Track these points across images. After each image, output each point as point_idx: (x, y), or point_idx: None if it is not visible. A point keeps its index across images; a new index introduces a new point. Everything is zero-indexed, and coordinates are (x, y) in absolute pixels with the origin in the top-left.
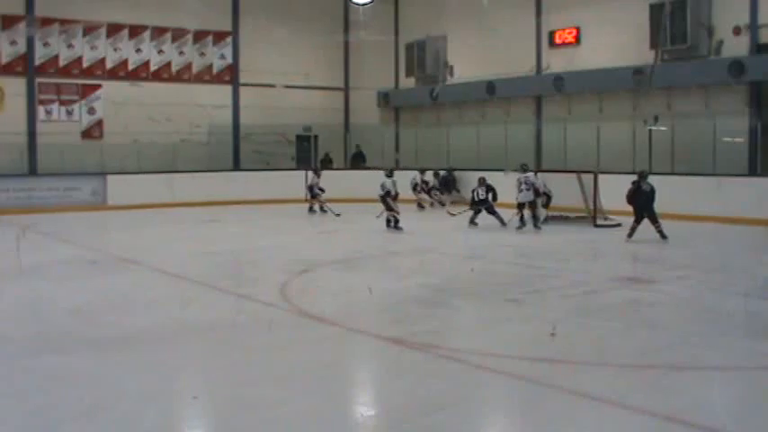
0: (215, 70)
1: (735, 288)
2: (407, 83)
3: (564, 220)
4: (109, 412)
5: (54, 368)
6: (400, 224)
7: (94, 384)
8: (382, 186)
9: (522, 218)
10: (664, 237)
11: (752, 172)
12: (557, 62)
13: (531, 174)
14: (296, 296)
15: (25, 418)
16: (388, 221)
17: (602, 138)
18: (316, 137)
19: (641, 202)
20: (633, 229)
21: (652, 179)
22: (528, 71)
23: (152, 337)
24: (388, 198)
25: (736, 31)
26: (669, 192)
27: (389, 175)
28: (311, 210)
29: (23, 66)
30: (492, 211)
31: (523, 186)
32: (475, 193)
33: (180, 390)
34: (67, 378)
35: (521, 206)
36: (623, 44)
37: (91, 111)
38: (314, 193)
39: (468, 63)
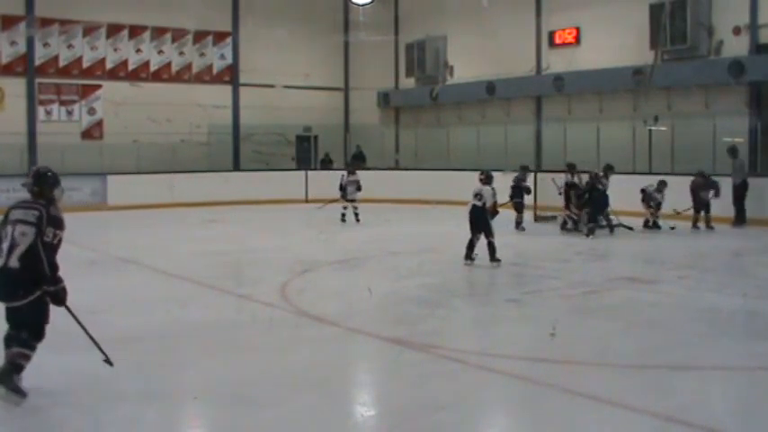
0: (215, 70)
1: (735, 288)
2: (407, 83)
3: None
4: (109, 412)
5: (54, 368)
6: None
7: (94, 384)
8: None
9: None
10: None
11: (752, 172)
12: (557, 62)
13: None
14: (296, 296)
15: (25, 419)
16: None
17: (602, 138)
18: (316, 137)
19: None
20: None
21: (652, 179)
22: (528, 71)
23: (152, 337)
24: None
25: (736, 31)
26: (669, 192)
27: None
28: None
29: (23, 66)
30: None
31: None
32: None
33: (180, 390)
34: (67, 378)
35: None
36: (623, 44)
37: (91, 111)
38: None
39: (468, 63)
